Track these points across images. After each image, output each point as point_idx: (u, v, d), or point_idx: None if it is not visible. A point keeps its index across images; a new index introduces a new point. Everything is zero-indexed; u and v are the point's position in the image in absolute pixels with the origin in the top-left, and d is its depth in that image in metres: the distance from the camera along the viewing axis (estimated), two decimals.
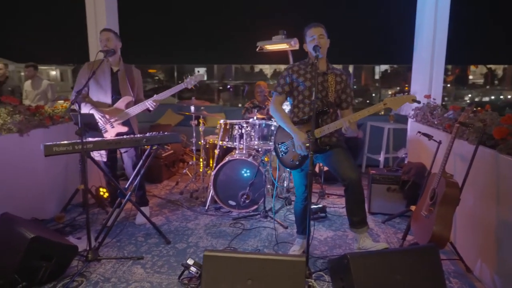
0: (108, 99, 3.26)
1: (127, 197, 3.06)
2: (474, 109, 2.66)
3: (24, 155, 3.22)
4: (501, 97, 12.24)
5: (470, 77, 12.78)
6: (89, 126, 2.69)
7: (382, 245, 2.53)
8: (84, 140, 2.63)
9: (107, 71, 3.25)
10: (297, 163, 2.69)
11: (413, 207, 3.06)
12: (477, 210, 2.62)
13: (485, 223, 2.49)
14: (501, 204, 2.31)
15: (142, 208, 3.37)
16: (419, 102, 2.53)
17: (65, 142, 2.68)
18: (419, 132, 3.27)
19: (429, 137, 3.17)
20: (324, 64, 2.70)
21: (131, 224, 3.46)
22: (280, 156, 2.81)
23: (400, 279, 2.05)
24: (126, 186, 3.22)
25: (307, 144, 2.49)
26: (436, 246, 2.24)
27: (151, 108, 3.26)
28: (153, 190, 4.50)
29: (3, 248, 2.42)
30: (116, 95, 3.28)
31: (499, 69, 12.47)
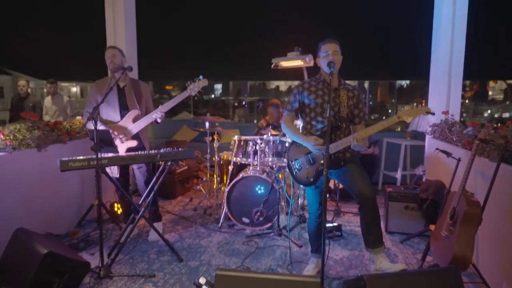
0: (117, 116, 3.31)
1: (140, 213, 3.06)
2: (495, 125, 2.57)
3: (41, 170, 3.27)
4: None
5: (490, 92, 12.55)
6: (105, 141, 2.71)
7: (400, 266, 2.44)
8: (99, 156, 2.65)
9: (114, 87, 3.30)
10: (311, 179, 2.65)
11: (432, 227, 2.95)
12: (501, 230, 2.50)
13: (510, 244, 2.38)
14: None
15: (155, 224, 3.36)
16: (433, 114, 2.46)
17: (81, 157, 2.72)
18: (437, 149, 3.19)
19: (448, 154, 3.09)
20: (336, 79, 2.68)
21: (144, 241, 3.44)
22: (294, 173, 2.78)
23: None
24: (140, 202, 3.22)
25: (321, 142, 2.51)
26: (458, 268, 2.15)
27: (158, 120, 3.28)
28: (167, 206, 4.49)
29: (18, 262, 2.44)
30: (124, 110, 3.32)
31: None
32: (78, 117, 4.19)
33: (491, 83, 11.46)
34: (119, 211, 3.91)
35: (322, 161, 2.42)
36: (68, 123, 3.92)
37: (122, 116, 3.29)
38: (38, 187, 3.27)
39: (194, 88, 3.22)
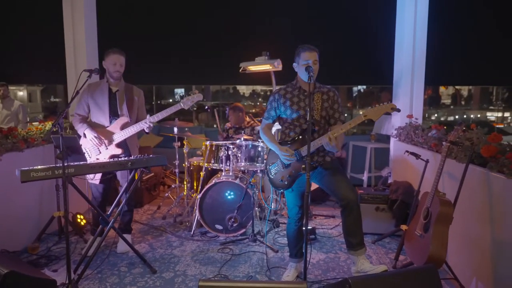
0: (106, 121, 3.16)
1: (110, 224, 2.88)
2: (464, 128, 2.70)
3: None
4: (468, 116, 12.79)
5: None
6: (72, 149, 2.52)
7: (381, 267, 2.48)
8: (66, 164, 2.46)
9: (105, 91, 3.16)
10: (286, 182, 2.67)
11: (404, 227, 3.04)
12: (471, 229, 2.63)
13: (479, 241, 2.50)
14: (495, 222, 2.33)
15: (125, 236, 3.19)
16: (399, 110, 2.52)
17: (44, 166, 2.51)
18: (407, 151, 3.30)
19: (417, 156, 3.21)
20: (312, 85, 2.69)
21: (112, 253, 3.25)
22: (271, 177, 2.77)
23: None
24: (108, 213, 3.04)
25: (291, 152, 2.55)
26: (435, 266, 2.21)
27: (146, 130, 3.14)
28: (134, 216, 4.25)
29: None
30: (114, 116, 3.18)
31: (464, 90, 13.10)
32: (35, 123, 3.89)
33: (442, 88, 12.19)
34: (83, 222, 3.67)
35: (303, 166, 2.41)
36: (23, 129, 3.63)
37: (111, 122, 3.15)
38: None
39: (187, 102, 3.13)
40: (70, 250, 3.12)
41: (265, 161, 2.86)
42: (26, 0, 6.06)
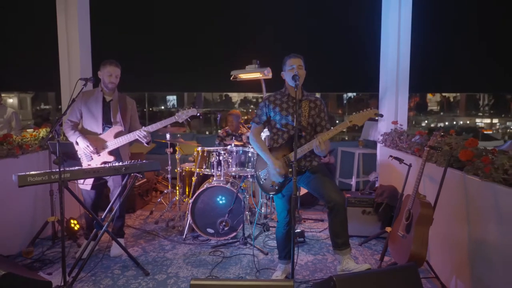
0: (99, 129, 3.24)
1: (104, 228, 2.96)
2: (442, 133, 2.85)
3: None
4: (460, 122, 13.08)
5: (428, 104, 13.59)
6: (68, 155, 2.61)
7: (365, 266, 2.59)
8: (61, 170, 2.54)
9: (99, 100, 3.25)
10: (276, 187, 2.77)
11: (388, 229, 3.17)
12: (450, 229, 2.76)
13: (458, 241, 2.63)
14: (472, 222, 2.47)
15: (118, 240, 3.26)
16: (381, 115, 2.67)
17: (41, 172, 2.59)
18: (391, 156, 3.45)
19: (400, 160, 3.35)
20: (300, 91, 2.82)
21: (105, 257, 3.32)
22: (261, 183, 2.87)
23: None
24: (102, 217, 3.12)
25: (283, 172, 2.65)
26: (415, 264, 2.34)
27: (141, 140, 3.23)
28: (127, 220, 4.34)
29: None
30: (107, 124, 3.26)
31: (451, 97, 13.40)
32: (30, 130, 3.95)
33: (429, 95, 12.47)
34: (76, 227, 3.74)
35: (290, 170, 2.53)
36: (17, 136, 3.70)
37: (104, 130, 3.23)
38: None
39: (182, 115, 3.26)
40: (63, 253, 3.21)
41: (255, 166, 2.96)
42: (20, 7, 6.14)
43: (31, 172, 2.56)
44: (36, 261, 3.20)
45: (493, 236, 2.23)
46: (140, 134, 3.18)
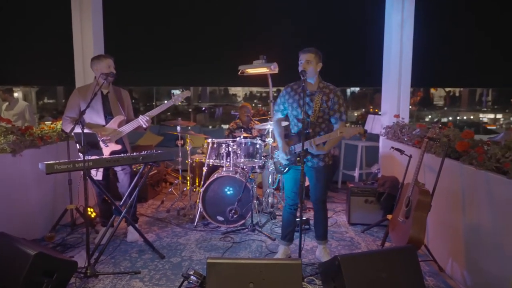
0: (101, 120, 3.41)
1: (122, 213, 3.16)
2: (440, 125, 3.02)
3: (15, 175, 3.26)
4: (461, 117, 13.17)
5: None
6: (91, 144, 2.81)
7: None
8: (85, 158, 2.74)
9: (98, 93, 3.39)
10: (282, 168, 3.10)
11: (389, 216, 3.36)
12: (447, 215, 2.95)
13: (454, 226, 2.82)
14: (466, 209, 2.65)
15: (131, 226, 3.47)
16: (365, 132, 2.71)
17: (66, 160, 2.79)
18: (392, 147, 3.62)
19: (401, 151, 3.53)
20: (315, 85, 2.94)
21: (123, 242, 3.53)
22: (274, 161, 3.22)
23: (385, 276, 2.30)
24: (120, 204, 3.32)
25: (288, 156, 2.98)
26: (414, 246, 2.53)
27: (144, 125, 3.42)
28: (139, 209, 4.56)
29: (5, 265, 2.46)
30: (109, 115, 3.44)
31: (455, 92, 13.47)
32: (48, 122, 4.15)
33: (432, 90, 12.57)
34: (93, 215, 3.94)
35: (298, 158, 2.73)
36: (36, 128, 3.90)
37: (107, 121, 3.41)
38: (11, 192, 3.25)
39: (178, 98, 3.47)
40: (81, 240, 3.44)
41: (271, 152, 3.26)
42: (33, 4, 6.32)
43: (57, 161, 2.76)
44: (58, 245, 3.41)
45: (486, 220, 2.41)
46: (143, 118, 3.37)
